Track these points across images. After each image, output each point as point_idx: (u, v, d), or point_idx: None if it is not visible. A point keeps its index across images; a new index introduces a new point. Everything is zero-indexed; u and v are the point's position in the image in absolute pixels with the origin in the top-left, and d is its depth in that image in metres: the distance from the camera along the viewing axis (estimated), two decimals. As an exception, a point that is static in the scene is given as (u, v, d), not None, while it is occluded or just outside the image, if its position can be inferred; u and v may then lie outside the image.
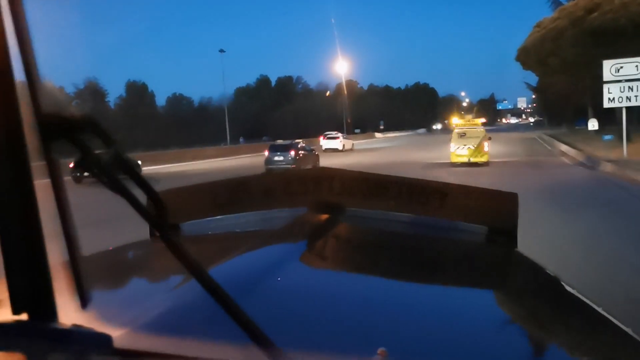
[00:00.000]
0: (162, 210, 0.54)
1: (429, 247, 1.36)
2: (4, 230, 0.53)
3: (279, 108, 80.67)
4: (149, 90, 75.80)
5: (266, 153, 20.38)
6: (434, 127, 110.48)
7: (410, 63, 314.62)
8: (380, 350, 0.59)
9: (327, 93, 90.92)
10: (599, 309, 0.88)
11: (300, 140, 23.46)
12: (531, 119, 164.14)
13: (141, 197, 0.54)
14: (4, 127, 0.51)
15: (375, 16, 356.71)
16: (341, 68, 65.59)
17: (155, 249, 1.31)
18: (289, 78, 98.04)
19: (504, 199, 1.34)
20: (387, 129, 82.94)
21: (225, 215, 1.48)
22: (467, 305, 0.90)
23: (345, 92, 76.29)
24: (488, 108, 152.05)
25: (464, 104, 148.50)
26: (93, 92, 65.51)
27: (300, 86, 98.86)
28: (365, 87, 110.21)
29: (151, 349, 0.50)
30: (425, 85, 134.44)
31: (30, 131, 0.52)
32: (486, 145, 17.58)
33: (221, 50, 56.57)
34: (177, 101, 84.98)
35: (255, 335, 0.53)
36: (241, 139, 62.90)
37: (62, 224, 0.52)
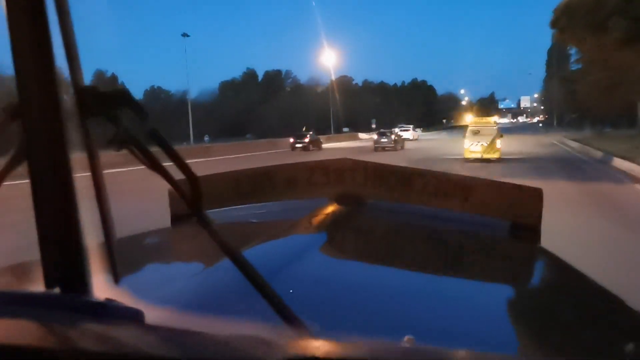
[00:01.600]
0: (197, 189, 0.53)
1: (452, 241, 1.35)
2: (39, 205, 0.52)
3: (265, 104, 74.40)
4: (119, 82, 69.36)
5: (375, 136, 31.73)
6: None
7: (409, 60, 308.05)
8: (407, 337, 0.58)
9: (318, 88, 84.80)
10: (630, 306, 0.85)
11: (396, 129, 36.84)
12: (535, 119, 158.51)
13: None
14: (43, 102, 0.51)
15: (373, 10, 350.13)
16: (329, 60, 59.17)
17: (180, 235, 1.37)
18: (278, 72, 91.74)
19: (528, 193, 1.34)
20: (382, 128, 76.84)
21: (247, 204, 1.51)
22: (489, 298, 0.90)
23: (335, 87, 70.39)
24: (488, 107, 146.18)
25: (463, 103, 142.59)
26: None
27: (289, 81, 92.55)
28: (360, 84, 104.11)
29: (182, 326, 0.50)
30: (424, 83, 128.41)
31: (69, 106, 0.52)
32: (498, 142, 18.16)
33: (184, 35, 49.62)
34: (156, 95, 78.63)
35: (287, 315, 0.53)
36: (206, 138, 55.86)
37: (97, 200, 0.53)
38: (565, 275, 1.10)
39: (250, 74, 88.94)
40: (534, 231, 1.29)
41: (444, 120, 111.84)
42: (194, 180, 0.53)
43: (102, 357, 0.39)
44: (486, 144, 18.16)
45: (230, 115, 70.74)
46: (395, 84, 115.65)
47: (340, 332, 0.44)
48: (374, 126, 73.46)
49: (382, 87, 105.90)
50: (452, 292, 0.90)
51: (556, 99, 67.48)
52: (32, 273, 0.59)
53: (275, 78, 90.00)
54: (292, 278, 0.83)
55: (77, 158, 0.52)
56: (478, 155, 18.04)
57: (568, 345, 0.72)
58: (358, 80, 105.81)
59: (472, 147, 18.39)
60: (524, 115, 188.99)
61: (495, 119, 24.07)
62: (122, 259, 0.56)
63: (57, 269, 0.53)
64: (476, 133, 18.51)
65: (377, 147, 28.97)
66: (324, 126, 69.30)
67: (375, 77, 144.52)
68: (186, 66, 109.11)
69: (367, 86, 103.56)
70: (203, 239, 1.22)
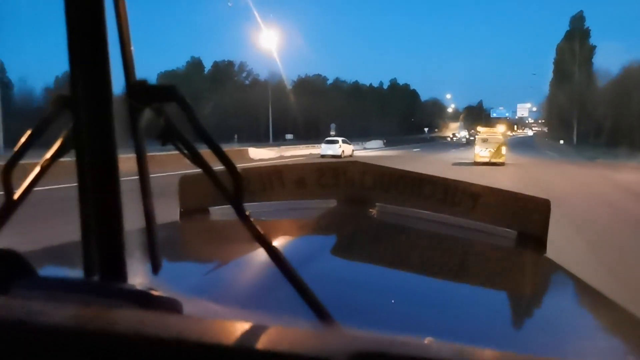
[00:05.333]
0: (239, 185, 0.54)
1: (458, 248, 1.36)
2: (83, 193, 0.54)
3: (209, 100, 59.74)
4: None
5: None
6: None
7: (393, 63, 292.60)
8: (427, 339, 0.60)
9: (281, 85, 70.55)
10: (636, 316, 0.86)
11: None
12: (529, 132, 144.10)
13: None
14: (93, 94, 0.52)
15: (355, 6, 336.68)
16: (268, 43, 44.42)
17: (196, 229, 1.41)
18: (229, 64, 76.97)
19: (536, 204, 1.36)
20: (347, 135, 62.63)
21: (256, 202, 1.51)
22: (494, 306, 0.91)
23: (302, 86, 56.48)
24: (477, 116, 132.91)
25: (449, 110, 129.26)
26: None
27: (244, 74, 77.81)
28: (330, 82, 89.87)
29: (218, 317, 0.50)
30: (406, 86, 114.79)
31: (119, 99, 0.52)
32: (503, 149, 22.62)
33: None
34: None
35: (319, 310, 0.54)
36: None
37: (141, 192, 0.54)
38: (570, 287, 1.11)
39: (196, 64, 74.22)
40: (540, 242, 1.31)
41: (426, 129, 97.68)
42: (237, 176, 0.54)
43: (142, 344, 0.39)
44: (493, 150, 22.51)
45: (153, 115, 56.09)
46: (372, 85, 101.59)
47: (363, 329, 0.45)
48: (333, 133, 59.33)
49: (355, 88, 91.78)
50: (457, 299, 0.91)
51: (569, 106, 51.89)
52: (72, 257, 0.61)
53: (225, 70, 75.37)
54: (306, 278, 0.80)
55: (123, 150, 0.53)
56: (486, 160, 22.20)
57: (573, 355, 0.72)
58: (333, 80, 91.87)
59: (482, 153, 22.67)
60: (522, 127, 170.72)
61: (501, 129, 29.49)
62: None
63: (98, 256, 0.53)
64: (485, 141, 23.03)
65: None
66: (276, 131, 55.42)
67: (354, 78, 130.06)
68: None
69: (338, 86, 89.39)
70: (223, 232, 1.24)
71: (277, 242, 1.01)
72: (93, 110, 0.52)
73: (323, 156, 26.78)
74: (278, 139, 51.23)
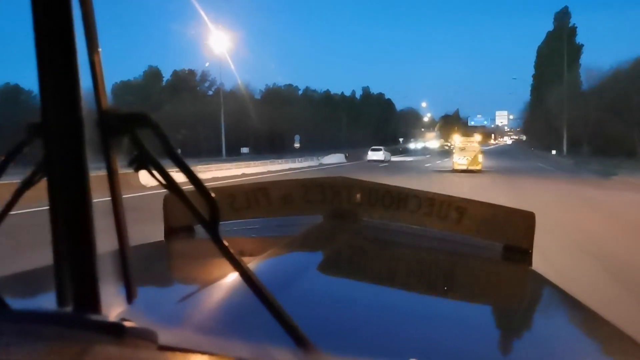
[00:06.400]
0: (214, 210, 0.54)
1: (445, 262, 1.36)
2: (56, 221, 0.53)
3: (164, 111, 54.81)
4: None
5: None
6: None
7: (365, 71, 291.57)
8: None
9: (247, 96, 66.10)
10: (621, 329, 0.87)
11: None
12: (509, 141, 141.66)
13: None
14: (64, 121, 0.51)
15: (329, 14, 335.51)
16: (218, 44, 39.78)
17: (178, 249, 1.39)
18: (191, 73, 72.03)
19: (521, 217, 1.37)
20: (311, 147, 58.29)
21: (241, 219, 1.51)
22: (480, 320, 0.92)
23: (271, 96, 52.11)
24: (453, 125, 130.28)
25: (425, 119, 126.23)
26: None
27: (206, 84, 73.02)
28: (300, 92, 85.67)
29: (195, 347, 0.50)
30: (380, 96, 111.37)
31: (90, 126, 0.52)
32: (480, 157, 24.27)
33: None
34: (11, 94, 58.10)
35: (296, 335, 0.54)
36: None
37: (115, 219, 0.54)
38: (556, 299, 1.11)
39: (154, 74, 69.11)
40: (526, 254, 1.32)
41: (401, 140, 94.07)
42: (212, 202, 0.54)
43: None
44: (470, 159, 24.08)
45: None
46: (343, 94, 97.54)
47: (345, 353, 0.44)
48: (297, 145, 54.99)
49: (326, 98, 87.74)
50: (444, 313, 0.92)
51: (557, 111, 46.26)
52: (44, 284, 0.59)
53: (186, 80, 70.44)
54: (290, 296, 0.82)
55: (95, 177, 0.53)
56: (464, 167, 23.97)
57: None
58: (303, 89, 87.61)
59: (460, 161, 24.35)
60: (501, 135, 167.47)
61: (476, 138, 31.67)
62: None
63: (70, 285, 0.53)
64: (462, 149, 24.74)
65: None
66: (234, 144, 50.89)
67: (328, 88, 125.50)
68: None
69: (308, 96, 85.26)
70: (205, 253, 1.17)
71: (262, 260, 1.02)
72: (64, 138, 0.51)
73: (369, 161, 37.23)
74: (232, 154, 46.60)
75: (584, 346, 0.85)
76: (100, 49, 0.53)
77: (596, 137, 39.08)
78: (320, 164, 34.09)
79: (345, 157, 39.15)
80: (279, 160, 30.27)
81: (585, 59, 60.14)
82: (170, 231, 1.43)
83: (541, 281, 1.18)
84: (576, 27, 59.77)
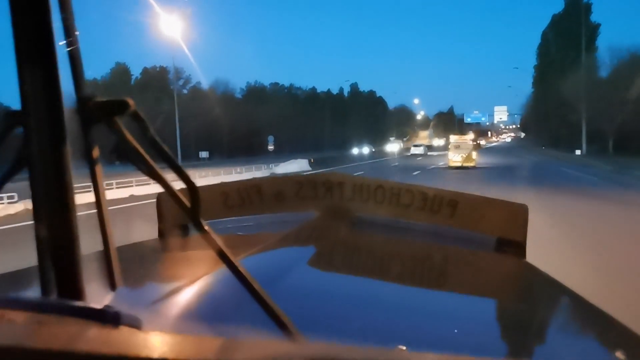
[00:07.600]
0: (197, 200, 0.53)
1: (439, 255, 1.36)
2: (38, 211, 0.53)
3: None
4: None
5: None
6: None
7: (357, 68, 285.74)
8: (399, 347, 0.60)
9: (228, 95, 61.18)
10: (615, 319, 0.87)
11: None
12: (508, 139, 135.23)
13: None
14: (44, 110, 0.51)
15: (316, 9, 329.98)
16: (171, 30, 34.73)
17: (172, 245, 1.40)
18: (162, 70, 66.94)
19: (514, 209, 1.37)
20: (288, 150, 53.31)
21: (234, 217, 1.52)
22: (475, 312, 0.92)
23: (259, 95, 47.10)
24: (448, 122, 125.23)
25: (419, 117, 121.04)
26: None
27: (180, 82, 67.89)
28: (285, 90, 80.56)
29: (180, 332, 0.50)
30: (371, 93, 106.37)
31: (70, 115, 0.51)
32: (474, 154, 25.72)
33: None
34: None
35: (282, 324, 0.55)
36: None
37: (97, 209, 0.54)
38: (550, 291, 1.12)
39: (121, 71, 64.08)
40: (520, 246, 1.32)
41: (391, 139, 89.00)
42: (194, 190, 0.53)
43: None
44: (465, 156, 25.38)
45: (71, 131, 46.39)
46: (330, 91, 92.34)
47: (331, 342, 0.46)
48: (271, 147, 49.76)
49: (311, 95, 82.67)
50: (438, 306, 0.92)
51: (575, 103, 37.84)
52: (28, 279, 0.60)
53: (158, 78, 65.39)
54: (281, 290, 0.83)
55: (78, 166, 0.52)
56: (459, 164, 25.21)
57: (552, 358, 0.73)
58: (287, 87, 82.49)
59: (455, 158, 25.65)
60: (498, 132, 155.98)
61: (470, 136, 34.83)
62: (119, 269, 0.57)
63: (54, 275, 0.52)
64: (457, 147, 26.06)
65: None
66: (195, 147, 46.02)
67: (314, 85, 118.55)
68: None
69: (292, 94, 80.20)
70: (196, 249, 1.18)
71: (254, 254, 1.03)
72: (44, 126, 0.51)
73: (411, 155, 45.30)
74: (191, 158, 41.67)
75: (579, 336, 0.86)
76: (78, 32, 0.52)
77: (618, 132, 33.50)
78: (272, 173, 24.07)
79: (310, 163, 30.63)
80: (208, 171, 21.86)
81: (601, 41, 52.38)
82: (164, 230, 1.42)
83: (535, 273, 1.18)
84: (591, 4, 50.36)
